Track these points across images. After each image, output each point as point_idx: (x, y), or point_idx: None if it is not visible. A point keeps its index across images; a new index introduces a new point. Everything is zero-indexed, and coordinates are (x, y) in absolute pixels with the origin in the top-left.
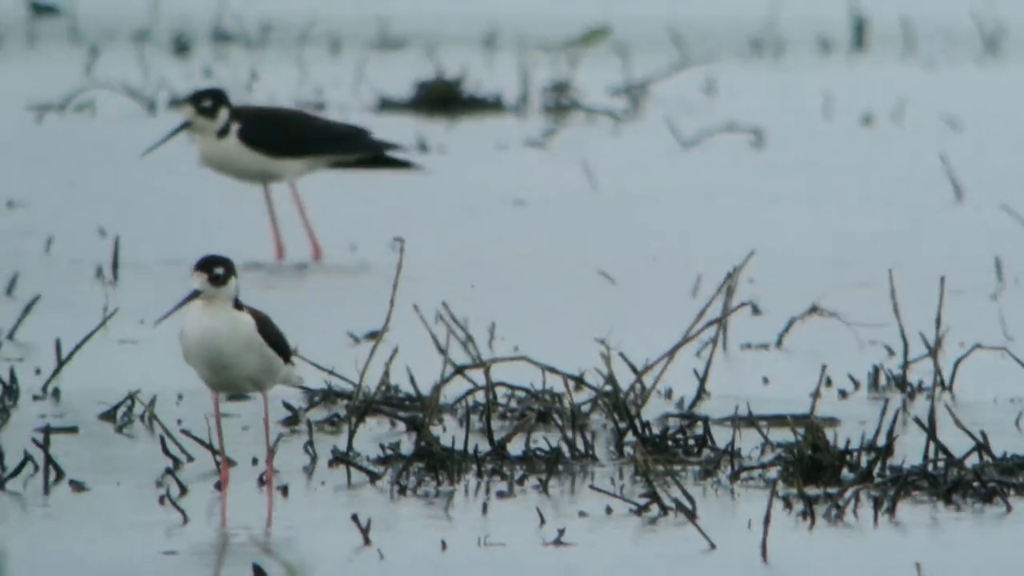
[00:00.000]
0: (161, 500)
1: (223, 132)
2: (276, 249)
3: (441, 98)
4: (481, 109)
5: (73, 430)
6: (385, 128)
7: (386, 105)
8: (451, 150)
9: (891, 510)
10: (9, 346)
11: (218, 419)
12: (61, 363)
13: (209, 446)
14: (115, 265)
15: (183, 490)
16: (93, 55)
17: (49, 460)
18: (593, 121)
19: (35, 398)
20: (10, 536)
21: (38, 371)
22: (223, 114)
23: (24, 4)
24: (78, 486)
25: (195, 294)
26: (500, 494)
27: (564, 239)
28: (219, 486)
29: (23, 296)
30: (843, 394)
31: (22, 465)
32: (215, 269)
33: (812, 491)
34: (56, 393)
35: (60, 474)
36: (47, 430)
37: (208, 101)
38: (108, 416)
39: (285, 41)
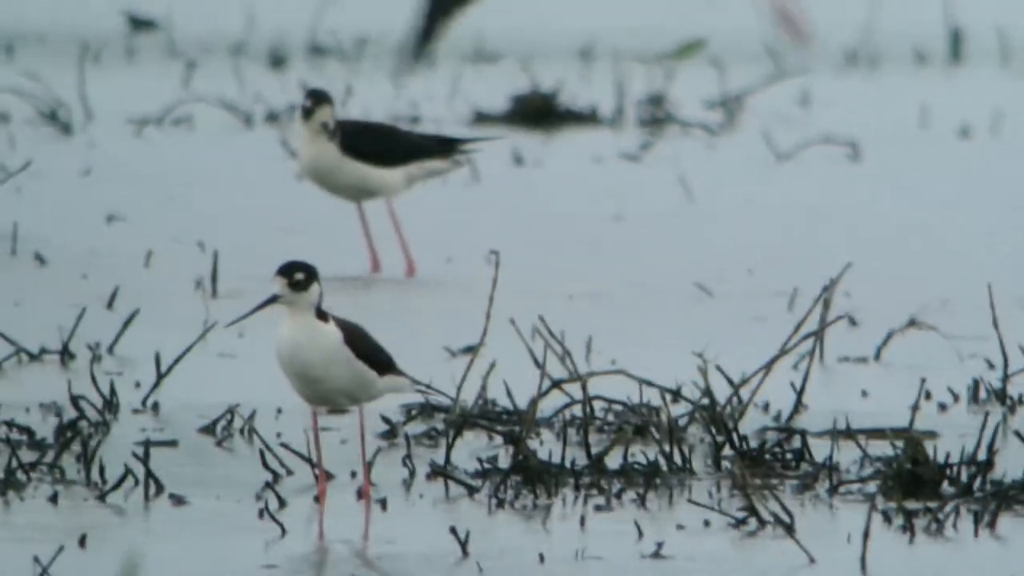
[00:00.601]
0: (260, 514)
1: (332, 133)
2: (371, 263)
3: (536, 111)
4: (576, 122)
5: (173, 444)
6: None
7: (481, 118)
8: (547, 163)
9: (992, 524)
10: (109, 360)
11: (316, 433)
12: (160, 377)
13: (308, 459)
14: (214, 279)
15: (282, 503)
16: (190, 69)
17: (149, 474)
18: (688, 134)
19: (135, 412)
20: (111, 550)
21: (138, 385)
22: (326, 110)
23: (123, 18)
24: (178, 500)
25: (273, 299)
26: (598, 507)
27: (660, 252)
28: (318, 499)
29: (123, 310)
30: (942, 407)
31: (123, 479)
32: (295, 274)
33: (912, 505)
34: (156, 407)
35: (160, 488)
36: (147, 444)
37: (309, 103)
38: (207, 430)
39: (380, 55)
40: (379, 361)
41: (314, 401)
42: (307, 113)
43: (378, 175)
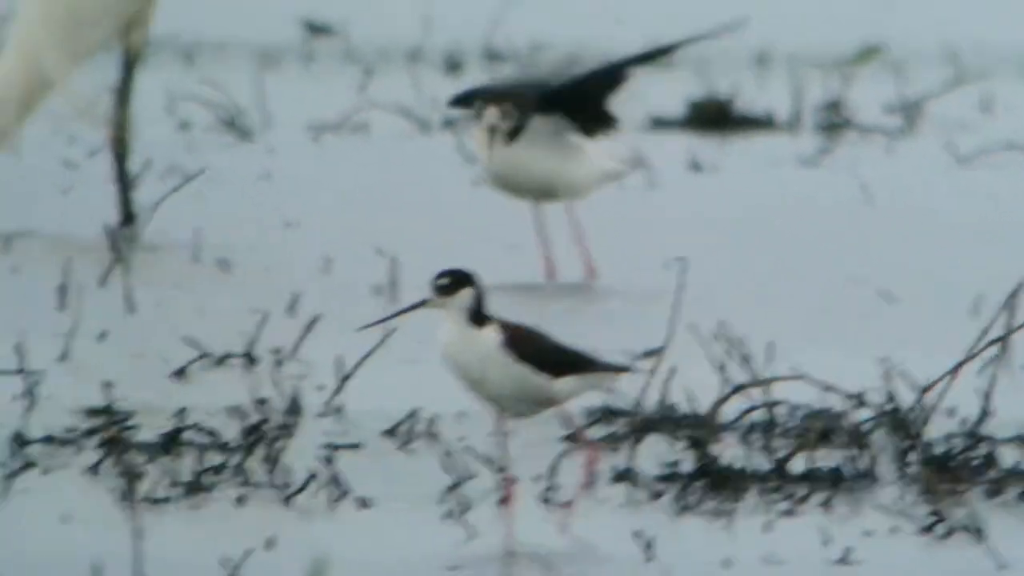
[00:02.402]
0: (445, 517)
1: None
2: (546, 269)
3: (713, 116)
4: (753, 127)
5: (357, 447)
6: (657, 147)
7: (658, 124)
8: (724, 168)
9: None
10: (292, 364)
11: (501, 436)
12: (343, 381)
13: (492, 463)
14: (393, 284)
15: (466, 507)
16: (367, 75)
17: (334, 477)
18: (867, 139)
19: (318, 415)
20: (298, 552)
21: (320, 388)
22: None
23: (301, 25)
24: (363, 502)
25: (420, 304)
26: (782, 513)
27: (841, 257)
28: (503, 502)
29: (304, 315)
30: None
31: (308, 481)
32: (442, 280)
33: None
34: (339, 410)
35: (345, 491)
36: (331, 447)
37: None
38: (391, 433)
39: (555, 60)
40: (552, 363)
41: (497, 408)
42: (478, 115)
43: (566, 173)
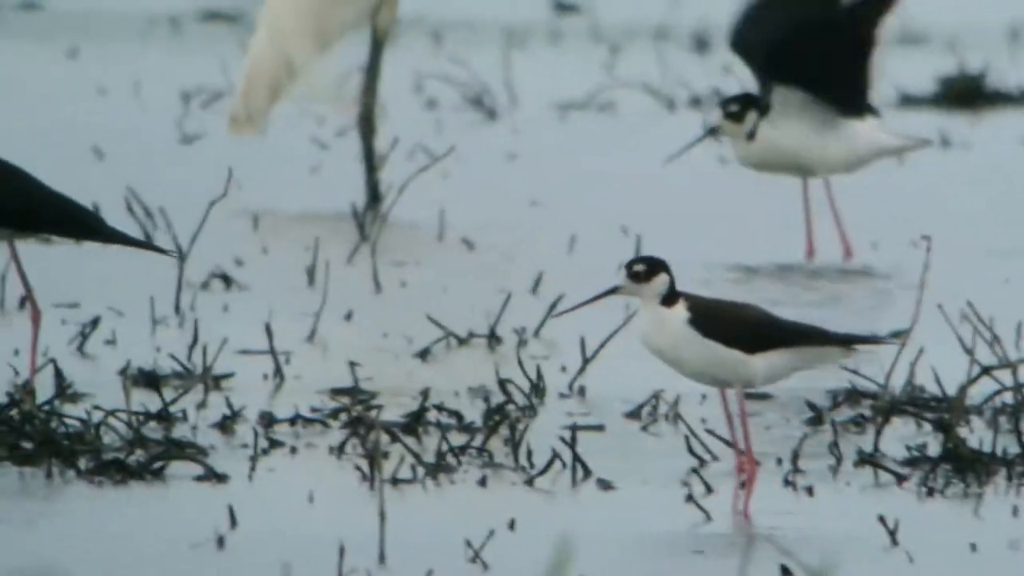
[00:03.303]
0: (687, 499)
1: (751, 135)
2: (807, 248)
3: (963, 93)
4: (1005, 103)
5: (599, 428)
6: (907, 123)
7: (907, 101)
8: (975, 146)
9: None
10: (535, 344)
11: (744, 417)
12: (586, 362)
13: (733, 445)
14: None
15: (708, 489)
16: (614, 53)
17: (576, 458)
18: None
19: (561, 396)
20: (540, 533)
21: (564, 369)
22: (751, 117)
23: (548, 3)
24: (605, 484)
25: (613, 290)
26: None
27: None
28: (744, 485)
29: (548, 295)
30: None
31: (550, 463)
32: (635, 267)
33: None
34: (582, 391)
35: (587, 472)
36: (574, 428)
37: (735, 106)
38: (633, 415)
39: None
40: (744, 339)
41: (712, 385)
42: (734, 117)
43: (819, 150)
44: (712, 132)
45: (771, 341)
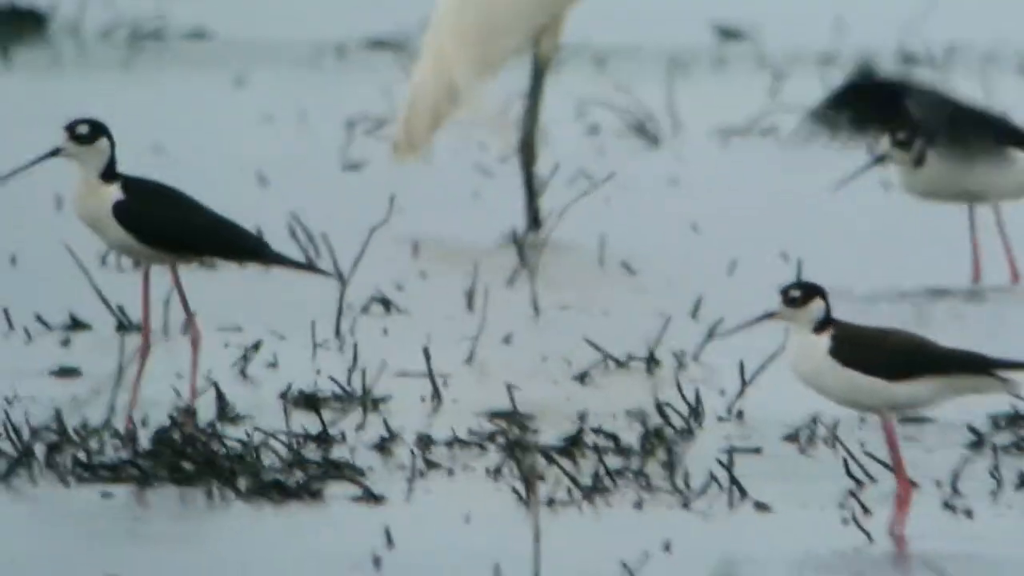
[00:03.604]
0: (845, 522)
1: (919, 161)
2: (974, 272)
3: None
4: None
5: (757, 451)
6: None
7: None
8: None
9: None
10: (694, 367)
11: (892, 441)
12: (744, 385)
13: (889, 467)
14: None
15: (866, 511)
16: (778, 79)
17: (734, 481)
18: None
19: (720, 419)
20: (697, 556)
21: (722, 392)
22: (918, 144)
23: (712, 29)
24: (762, 507)
25: (768, 315)
26: None
27: None
28: (901, 508)
29: (707, 319)
30: None
31: (707, 485)
32: (791, 292)
33: None
34: (740, 415)
35: (744, 495)
36: (731, 451)
37: (903, 134)
38: (791, 438)
39: (971, 62)
40: (885, 366)
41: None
42: (901, 145)
43: (988, 176)
44: (879, 160)
45: (915, 368)
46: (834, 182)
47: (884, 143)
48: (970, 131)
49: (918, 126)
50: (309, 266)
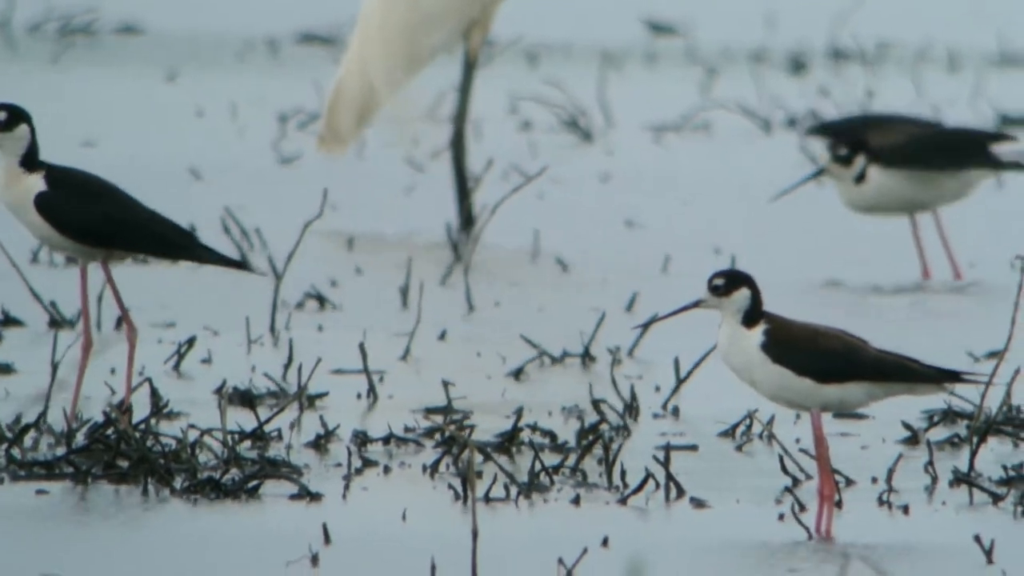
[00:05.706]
0: (780, 517)
1: (859, 178)
2: (923, 270)
3: None
4: None
5: (693, 448)
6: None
7: (1007, 122)
8: None
9: None
10: (630, 364)
11: (820, 439)
12: (680, 382)
13: (822, 463)
14: None
15: (802, 507)
16: (710, 75)
17: (670, 477)
18: None
19: (655, 416)
20: (633, 552)
21: (657, 389)
22: (859, 161)
23: (644, 25)
24: (699, 503)
25: (695, 303)
26: None
27: None
28: (836, 504)
29: (642, 315)
30: None
31: (644, 482)
32: (715, 280)
33: None
34: (676, 411)
35: (681, 491)
36: (668, 448)
37: (843, 149)
38: (727, 434)
39: (902, 59)
40: (816, 368)
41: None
42: (842, 160)
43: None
44: (819, 174)
45: (847, 374)
46: (772, 194)
47: (824, 158)
48: (934, 155)
49: (863, 144)
50: (240, 263)
